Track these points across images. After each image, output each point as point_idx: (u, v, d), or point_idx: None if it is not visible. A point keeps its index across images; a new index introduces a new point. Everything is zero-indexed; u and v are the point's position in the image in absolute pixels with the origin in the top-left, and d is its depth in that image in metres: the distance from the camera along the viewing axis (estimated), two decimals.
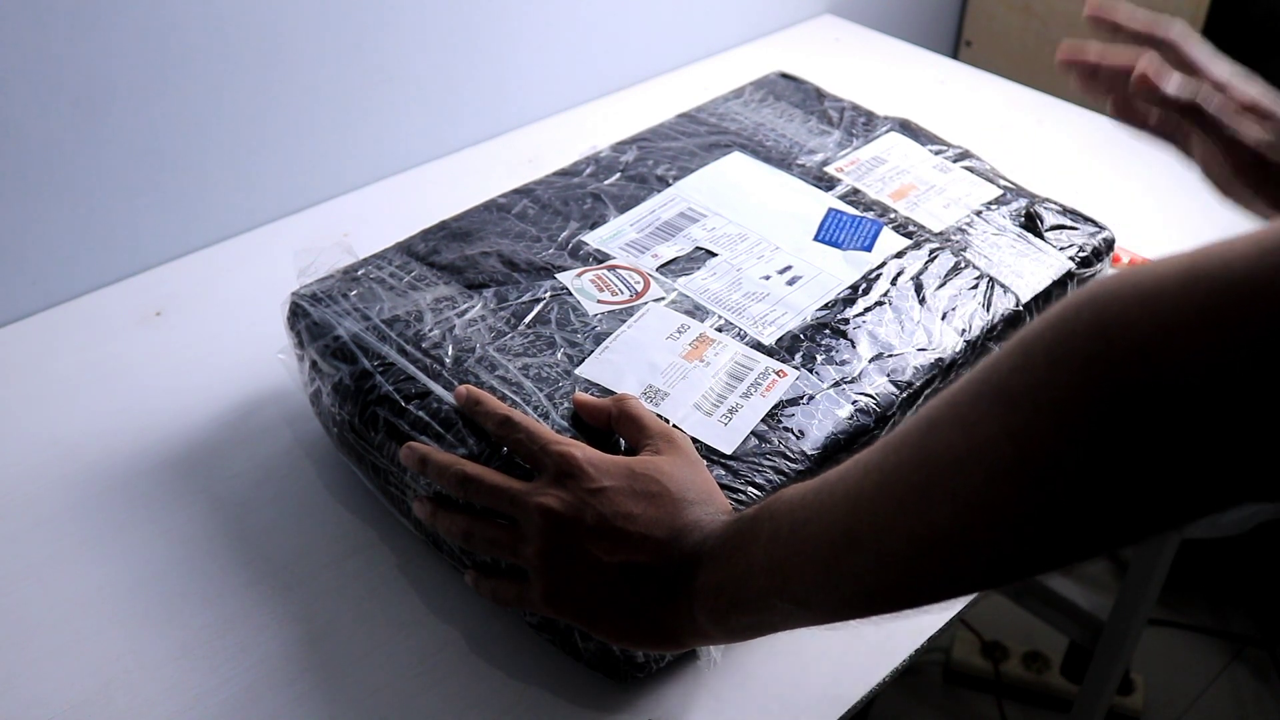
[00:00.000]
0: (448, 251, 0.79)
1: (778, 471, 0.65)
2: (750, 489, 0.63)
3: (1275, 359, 0.33)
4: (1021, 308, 0.78)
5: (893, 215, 0.84)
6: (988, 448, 0.40)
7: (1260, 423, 0.34)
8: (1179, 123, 0.70)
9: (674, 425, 0.65)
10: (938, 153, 0.92)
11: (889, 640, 0.66)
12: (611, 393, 0.67)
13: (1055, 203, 0.87)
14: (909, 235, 0.82)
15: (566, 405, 0.66)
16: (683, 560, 0.55)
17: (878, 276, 0.78)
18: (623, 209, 0.83)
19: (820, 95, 1.00)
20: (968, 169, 0.91)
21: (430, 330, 0.71)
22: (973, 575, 0.43)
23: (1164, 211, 1.06)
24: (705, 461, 0.63)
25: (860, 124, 0.95)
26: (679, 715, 0.62)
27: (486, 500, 0.60)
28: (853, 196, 0.86)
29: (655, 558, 0.56)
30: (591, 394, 0.67)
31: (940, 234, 0.83)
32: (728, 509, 0.59)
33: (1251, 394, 0.34)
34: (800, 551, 0.48)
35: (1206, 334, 0.34)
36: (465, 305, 0.74)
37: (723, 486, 0.62)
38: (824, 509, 0.47)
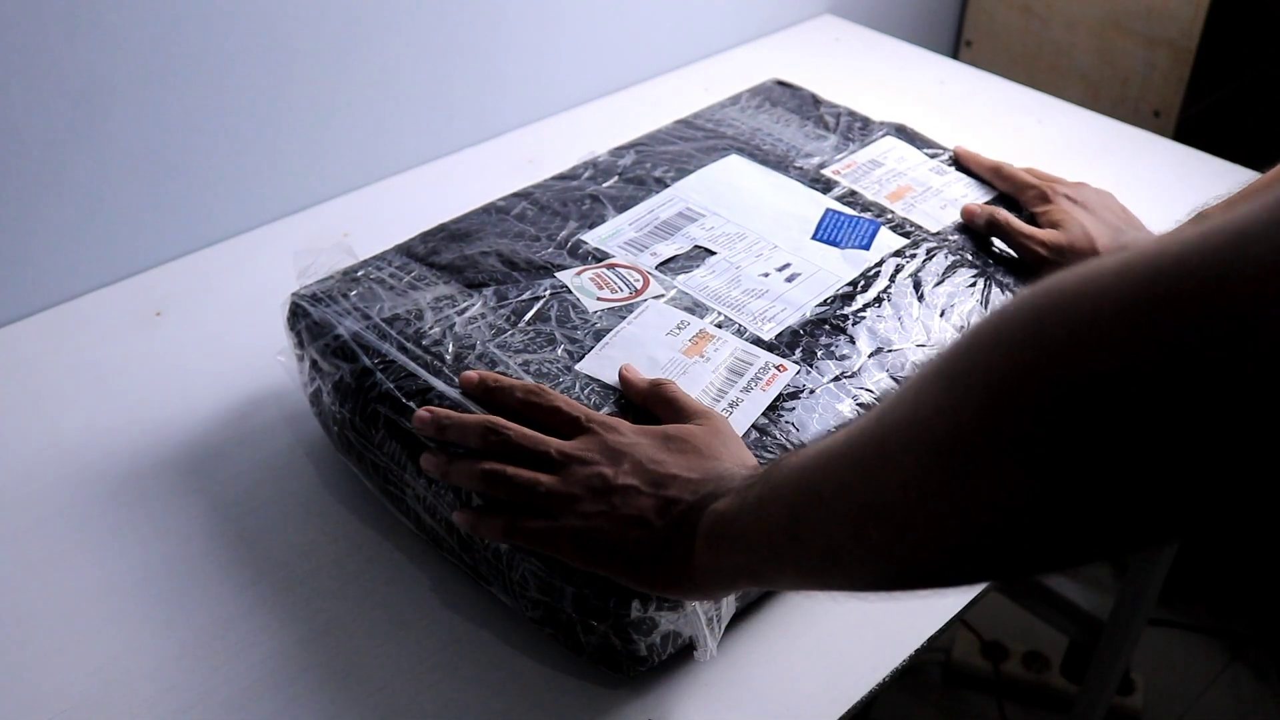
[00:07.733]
0: (447, 252, 0.79)
1: None
2: None
3: (1190, 361, 0.32)
4: None
5: (890, 216, 0.84)
6: (925, 425, 0.41)
7: (1176, 427, 0.33)
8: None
9: None
10: (934, 156, 0.92)
11: (889, 640, 0.66)
12: (613, 389, 0.67)
13: None
14: (906, 235, 0.82)
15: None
16: (707, 495, 0.57)
17: (876, 274, 0.78)
18: (621, 209, 0.83)
19: (816, 101, 1.00)
20: (964, 171, 0.91)
21: (430, 328, 0.71)
22: (912, 556, 0.44)
23: (1164, 211, 1.06)
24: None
25: (856, 128, 0.95)
26: (679, 715, 0.62)
27: (525, 442, 0.61)
28: (850, 198, 0.86)
29: (685, 491, 0.58)
30: (592, 389, 0.67)
31: (937, 234, 0.83)
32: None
33: (1166, 394, 0.33)
34: (779, 496, 0.51)
35: (1124, 328, 0.34)
36: (465, 303, 0.74)
37: None
38: (804, 462, 0.49)
